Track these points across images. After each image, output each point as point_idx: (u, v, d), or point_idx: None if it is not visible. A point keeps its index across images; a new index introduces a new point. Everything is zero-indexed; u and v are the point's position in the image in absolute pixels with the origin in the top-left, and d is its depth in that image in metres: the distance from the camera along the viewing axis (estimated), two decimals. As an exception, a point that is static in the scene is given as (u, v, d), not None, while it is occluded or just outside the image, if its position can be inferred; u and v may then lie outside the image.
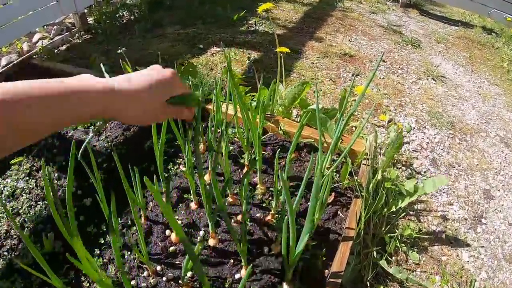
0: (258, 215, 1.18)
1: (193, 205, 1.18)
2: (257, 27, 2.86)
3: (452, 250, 1.39)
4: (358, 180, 1.17)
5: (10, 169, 1.46)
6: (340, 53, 2.39)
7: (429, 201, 1.50)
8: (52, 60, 2.17)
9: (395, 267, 1.12)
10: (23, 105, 0.40)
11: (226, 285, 0.99)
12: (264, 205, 1.21)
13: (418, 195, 1.13)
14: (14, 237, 1.17)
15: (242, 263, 1.00)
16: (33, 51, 2.24)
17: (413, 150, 1.68)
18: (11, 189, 1.37)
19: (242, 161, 1.41)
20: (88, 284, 1.01)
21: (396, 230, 1.26)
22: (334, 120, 1.53)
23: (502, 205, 1.68)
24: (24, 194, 1.35)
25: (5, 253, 1.12)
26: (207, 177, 1.26)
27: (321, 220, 1.16)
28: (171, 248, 1.08)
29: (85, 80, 0.47)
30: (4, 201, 1.32)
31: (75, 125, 1.57)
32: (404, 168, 1.57)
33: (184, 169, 1.34)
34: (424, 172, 1.61)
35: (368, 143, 1.34)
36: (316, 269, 1.04)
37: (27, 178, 1.43)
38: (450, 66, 2.61)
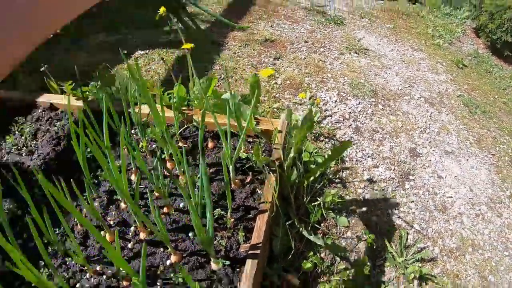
0: (182, 204, 1.29)
1: (122, 205, 1.28)
2: (180, 25, 2.98)
3: (381, 209, 1.57)
4: (271, 158, 1.31)
5: None
6: (262, 39, 2.56)
7: (354, 167, 1.67)
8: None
9: (314, 235, 1.26)
10: None
11: (159, 272, 1.12)
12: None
13: (328, 163, 1.28)
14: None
15: (169, 250, 1.12)
16: None
17: (335, 122, 1.87)
18: None
19: (164, 156, 1.51)
20: None
21: (318, 199, 1.41)
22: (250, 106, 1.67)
23: (430, 160, 1.90)
24: None
25: None
26: (133, 177, 1.35)
27: (241, 199, 1.28)
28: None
29: None
30: None
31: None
32: (327, 140, 1.75)
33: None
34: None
35: (281, 120, 1.49)
36: (238, 243, 1.16)
37: None
38: (374, 38, 2.88)
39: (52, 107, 1.95)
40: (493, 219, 1.77)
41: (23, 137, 1.81)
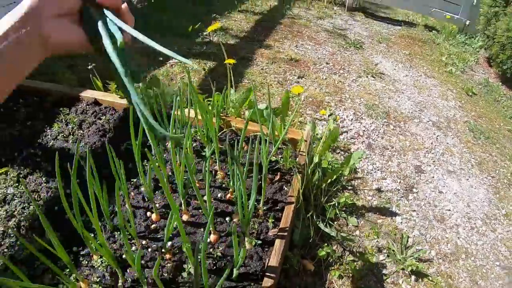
0: (219, 194, 1.60)
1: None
2: (211, 38, 3.33)
3: (386, 215, 1.85)
4: (296, 161, 1.62)
5: (-3, 179, 1.78)
6: (287, 58, 2.89)
7: (364, 178, 1.97)
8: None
9: (329, 228, 1.56)
10: None
11: (199, 247, 1.40)
12: (223, 185, 1.63)
13: (345, 168, 1.59)
14: (12, 235, 1.49)
15: (211, 229, 1.41)
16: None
17: (350, 138, 2.17)
18: (2, 195, 1.69)
19: (203, 153, 1.82)
20: (86, 262, 1.37)
21: (334, 199, 1.70)
22: (279, 117, 1.99)
23: (433, 177, 2.19)
24: (16, 198, 1.68)
25: (5, 250, 1.44)
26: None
27: (270, 193, 1.58)
28: (153, 226, 1.48)
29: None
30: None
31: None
32: (342, 152, 2.05)
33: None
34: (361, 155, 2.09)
35: (306, 131, 1.80)
36: (268, 229, 1.46)
37: (16, 184, 1.75)
38: (390, 63, 3.19)
39: (96, 102, 2.27)
40: (487, 233, 2.03)
41: (68, 126, 2.08)
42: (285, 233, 1.39)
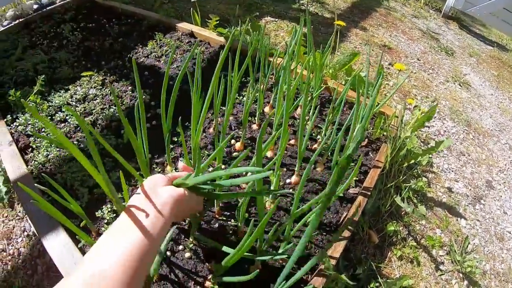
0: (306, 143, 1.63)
1: (254, 126, 1.63)
2: (307, 7, 3.30)
3: (453, 215, 1.84)
4: (387, 133, 1.62)
5: (80, 80, 1.86)
6: (381, 43, 2.84)
7: (439, 174, 1.95)
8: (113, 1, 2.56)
9: (405, 203, 1.56)
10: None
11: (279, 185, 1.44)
12: (312, 136, 1.66)
13: (434, 151, 1.58)
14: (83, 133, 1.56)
15: (296, 169, 1.45)
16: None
17: (432, 133, 2.14)
18: (83, 94, 1.76)
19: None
20: (158, 170, 1.43)
21: (412, 181, 1.70)
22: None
23: (501, 196, 2.13)
24: (97, 99, 1.74)
25: (75, 142, 1.50)
26: (267, 109, 1.70)
27: (356, 155, 1.60)
28: (234, 154, 1.52)
29: (153, 220, 0.75)
30: (74, 103, 1.72)
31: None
32: (422, 144, 2.02)
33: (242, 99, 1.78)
34: (439, 152, 2.06)
35: (399, 109, 1.79)
36: (349, 186, 1.48)
37: (100, 87, 1.82)
38: (478, 78, 3.08)
39: (192, 35, 2.30)
40: (539, 266, 1.99)
41: (162, 48, 2.13)
42: (368, 193, 1.41)
